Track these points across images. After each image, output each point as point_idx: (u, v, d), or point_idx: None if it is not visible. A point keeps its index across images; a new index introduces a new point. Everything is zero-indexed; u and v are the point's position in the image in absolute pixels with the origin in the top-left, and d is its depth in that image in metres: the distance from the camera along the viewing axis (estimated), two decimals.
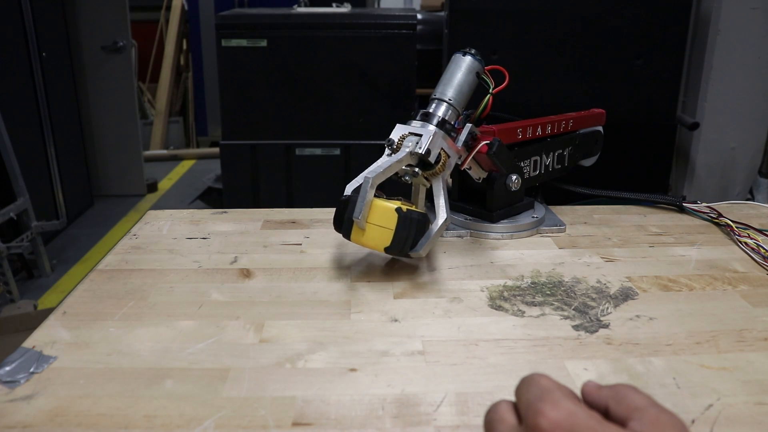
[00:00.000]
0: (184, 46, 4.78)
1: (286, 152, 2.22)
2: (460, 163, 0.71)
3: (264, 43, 2.13)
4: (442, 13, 2.86)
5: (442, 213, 0.65)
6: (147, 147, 4.35)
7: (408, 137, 0.67)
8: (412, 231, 0.62)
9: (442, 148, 0.66)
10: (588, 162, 0.95)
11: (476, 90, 0.72)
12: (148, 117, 4.64)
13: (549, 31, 1.78)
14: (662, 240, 0.77)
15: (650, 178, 1.88)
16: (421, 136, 0.66)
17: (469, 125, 0.70)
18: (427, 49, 2.81)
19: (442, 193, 0.67)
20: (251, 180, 2.24)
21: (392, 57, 2.17)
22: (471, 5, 1.68)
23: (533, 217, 0.80)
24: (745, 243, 0.74)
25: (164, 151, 4.42)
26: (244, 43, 2.13)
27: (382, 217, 0.63)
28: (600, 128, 0.94)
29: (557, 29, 1.77)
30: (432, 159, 0.66)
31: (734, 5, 1.86)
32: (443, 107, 0.68)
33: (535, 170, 0.84)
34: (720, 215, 0.81)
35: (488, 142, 0.71)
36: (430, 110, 0.68)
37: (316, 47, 2.15)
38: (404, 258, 0.69)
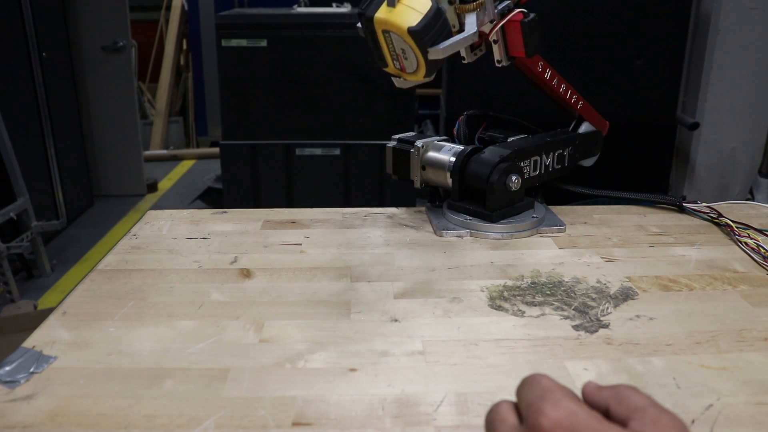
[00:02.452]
0: (184, 46, 4.78)
1: (286, 152, 2.22)
2: (489, 28, 0.69)
3: (264, 43, 2.13)
4: None
5: (470, 27, 0.64)
6: (147, 147, 4.35)
7: None
8: (439, 25, 0.60)
9: None
10: (588, 162, 0.95)
11: None
12: (148, 117, 4.64)
13: (549, 31, 1.78)
14: (662, 240, 0.77)
15: (650, 178, 1.88)
16: None
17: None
18: None
19: (475, 23, 0.65)
20: (251, 180, 2.24)
21: None
22: None
23: (533, 217, 0.80)
24: (745, 243, 0.74)
25: (164, 151, 4.42)
26: (244, 43, 2.13)
27: (416, 1, 0.60)
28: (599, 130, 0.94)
29: (557, 29, 1.77)
30: None
31: (734, 5, 1.86)
32: None
33: (535, 170, 0.84)
34: (720, 215, 0.81)
35: (525, 11, 0.70)
36: None
37: (316, 47, 2.14)
38: (416, 56, 0.64)
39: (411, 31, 0.60)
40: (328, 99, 2.19)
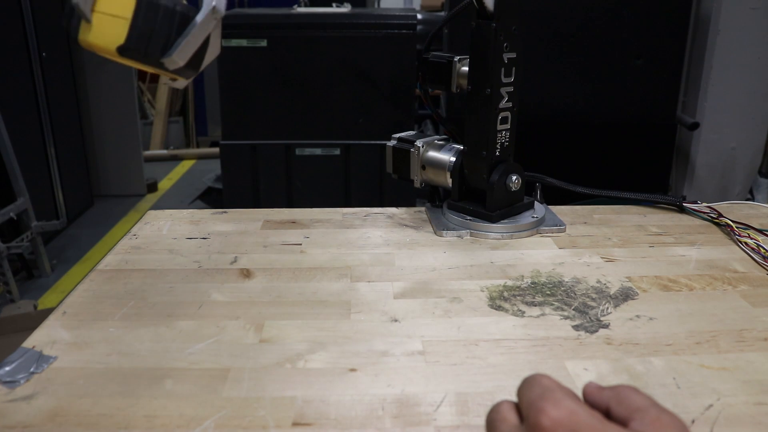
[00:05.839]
0: None
1: (286, 152, 2.22)
2: None
3: (264, 43, 2.13)
4: (442, 13, 2.86)
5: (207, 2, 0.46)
6: (147, 147, 4.35)
7: None
8: (158, 23, 0.44)
9: None
10: None
11: None
12: (148, 117, 4.64)
13: (549, 31, 1.78)
14: (662, 240, 0.77)
15: (650, 178, 1.88)
16: None
17: None
18: None
19: None
20: (251, 180, 2.24)
21: (392, 57, 2.17)
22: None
23: (533, 217, 0.80)
24: (745, 243, 0.74)
25: (164, 151, 4.42)
26: (244, 43, 2.13)
27: (114, 2, 0.45)
28: None
29: (557, 29, 1.77)
30: None
31: (734, 5, 1.86)
32: None
33: (508, 126, 0.77)
34: (720, 215, 0.81)
35: None
36: None
37: (316, 47, 2.14)
38: (161, 74, 0.49)
39: (122, 52, 0.46)
40: (328, 99, 2.19)
